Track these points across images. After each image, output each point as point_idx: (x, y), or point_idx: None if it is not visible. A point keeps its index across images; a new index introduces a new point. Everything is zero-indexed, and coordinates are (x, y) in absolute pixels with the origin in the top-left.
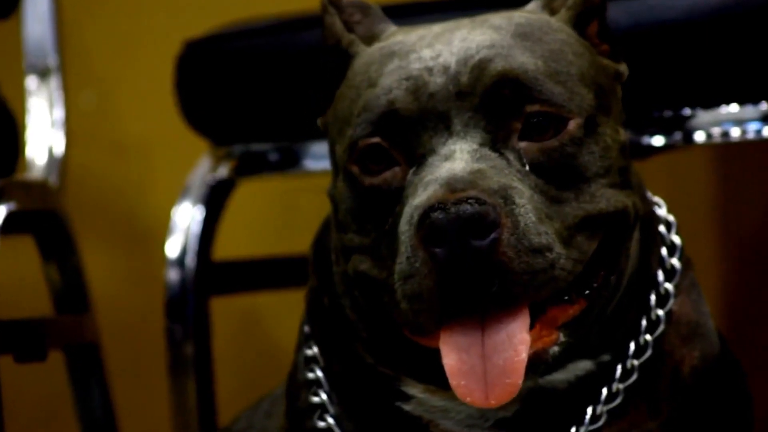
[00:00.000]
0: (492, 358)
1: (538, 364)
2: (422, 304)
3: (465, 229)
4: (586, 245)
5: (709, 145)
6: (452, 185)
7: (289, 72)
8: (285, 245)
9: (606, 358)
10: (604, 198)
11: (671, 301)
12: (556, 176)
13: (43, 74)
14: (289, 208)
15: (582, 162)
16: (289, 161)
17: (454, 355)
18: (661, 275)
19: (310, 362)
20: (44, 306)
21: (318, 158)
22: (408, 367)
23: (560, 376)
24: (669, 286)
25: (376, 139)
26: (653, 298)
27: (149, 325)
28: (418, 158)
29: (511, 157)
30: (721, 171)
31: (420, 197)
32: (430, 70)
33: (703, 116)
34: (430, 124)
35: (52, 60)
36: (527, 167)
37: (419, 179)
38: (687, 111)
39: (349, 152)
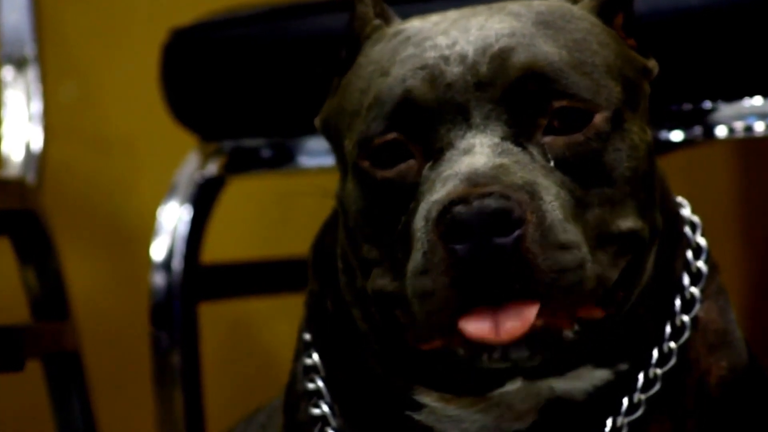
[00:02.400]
0: (503, 313)
1: (550, 340)
2: (435, 304)
3: (488, 225)
4: (611, 266)
5: (731, 140)
6: (474, 180)
7: (283, 63)
8: (278, 247)
9: (624, 366)
10: (622, 216)
11: (697, 307)
12: (582, 174)
13: (20, 65)
14: (282, 208)
15: (608, 160)
16: (283, 158)
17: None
18: (686, 279)
19: (310, 372)
20: (21, 312)
21: (313, 155)
22: (422, 376)
23: (578, 386)
24: (695, 290)
25: (392, 135)
26: (678, 303)
27: (133, 332)
28: (434, 152)
29: (534, 152)
30: (744, 168)
31: (439, 193)
32: (446, 59)
33: (724, 110)
34: (447, 116)
35: (29, 49)
36: (552, 163)
37: (437, 174)
38: (708, 104)
39: (359, 148)
